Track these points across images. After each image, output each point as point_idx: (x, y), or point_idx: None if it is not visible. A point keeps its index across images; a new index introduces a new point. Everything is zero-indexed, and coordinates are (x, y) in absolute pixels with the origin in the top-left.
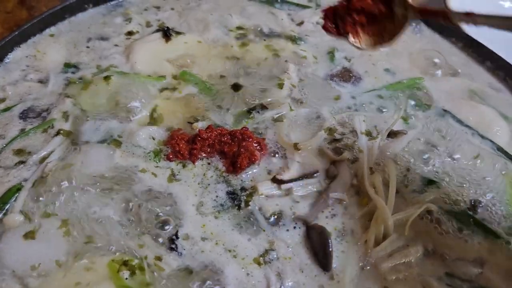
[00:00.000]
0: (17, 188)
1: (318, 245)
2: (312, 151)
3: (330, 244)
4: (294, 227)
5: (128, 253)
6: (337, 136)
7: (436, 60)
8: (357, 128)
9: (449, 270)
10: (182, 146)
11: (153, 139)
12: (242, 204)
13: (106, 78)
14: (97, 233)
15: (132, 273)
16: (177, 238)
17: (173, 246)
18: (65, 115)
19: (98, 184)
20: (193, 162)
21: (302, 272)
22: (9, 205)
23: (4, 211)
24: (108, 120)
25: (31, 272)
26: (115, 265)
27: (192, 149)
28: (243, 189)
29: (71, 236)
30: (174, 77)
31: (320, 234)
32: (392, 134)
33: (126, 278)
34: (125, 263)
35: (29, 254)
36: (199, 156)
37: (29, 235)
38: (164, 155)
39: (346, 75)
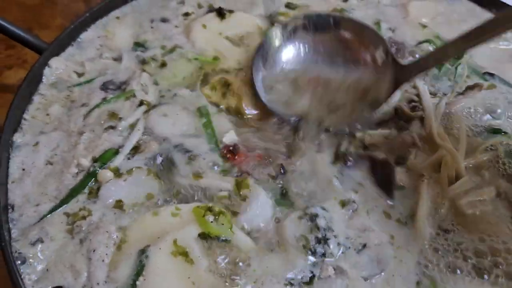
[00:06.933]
0: (115, 152)
1: (382, 176)
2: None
3: (393, 173)
4: None
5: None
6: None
7: None
8: (421, 91)
9: None
10: None
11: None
12: None
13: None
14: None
15: (216, 218)
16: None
17: None
18: (144, 87)
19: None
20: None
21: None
22: (107, 165)
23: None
24: (184, 91)
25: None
26: (200, 211)
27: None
28: None
29: (160, 183)
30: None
31: (383, 165)
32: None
33: (211, 221)
34: (209, 209)
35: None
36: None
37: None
38: None
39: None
